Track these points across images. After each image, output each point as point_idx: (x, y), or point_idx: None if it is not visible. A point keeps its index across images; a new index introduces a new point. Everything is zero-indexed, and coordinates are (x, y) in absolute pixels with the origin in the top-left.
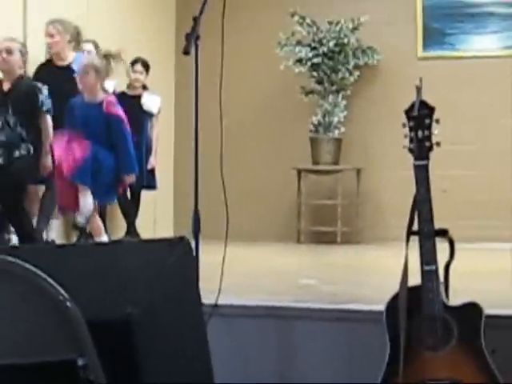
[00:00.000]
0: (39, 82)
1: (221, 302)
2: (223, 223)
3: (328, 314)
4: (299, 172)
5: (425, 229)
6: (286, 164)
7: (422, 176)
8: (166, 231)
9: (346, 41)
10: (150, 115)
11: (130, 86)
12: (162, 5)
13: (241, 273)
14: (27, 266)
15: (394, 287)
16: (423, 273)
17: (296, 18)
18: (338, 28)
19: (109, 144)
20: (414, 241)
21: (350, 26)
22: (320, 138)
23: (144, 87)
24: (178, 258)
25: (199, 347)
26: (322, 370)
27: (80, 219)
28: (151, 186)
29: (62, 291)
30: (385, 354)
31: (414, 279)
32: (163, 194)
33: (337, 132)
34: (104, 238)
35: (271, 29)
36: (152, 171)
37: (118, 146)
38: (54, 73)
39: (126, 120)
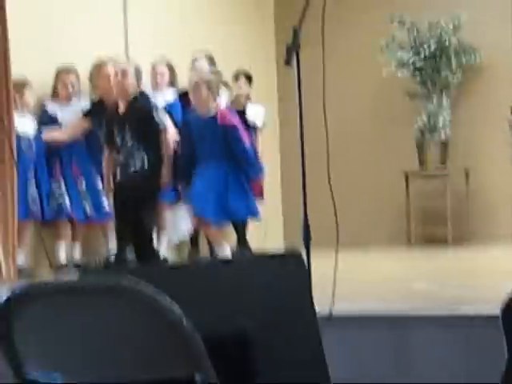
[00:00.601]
0: None
1: (334, 310)
2: (333, 229)
3: (443, 320)
4: (407, 175)
5: None
6: (393, 168)
7: None
8: (276, 243)
9: (447, 42)
10: (254, 128)
11: (233, 101)
12: (260, 15)
13: (353, 279)
14: (142, 285)
15: (509, 288)
16: None
17: (396, 22)
18: (438, 29)
19: (225, 155)
20: None
21: (451, 26)
22: (426, 140)
23: (248, 99)
24: (291, 272)
25: (316, 359)
26: (439, 377)
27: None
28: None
29: (177, 308)
30: (503, 358)
31: None
32: (272, 204)
33: (443, 133)
34: (225, 246)
35: (371, 34)
36: None
37: (237, 156)
38: None
39: (241, 128)
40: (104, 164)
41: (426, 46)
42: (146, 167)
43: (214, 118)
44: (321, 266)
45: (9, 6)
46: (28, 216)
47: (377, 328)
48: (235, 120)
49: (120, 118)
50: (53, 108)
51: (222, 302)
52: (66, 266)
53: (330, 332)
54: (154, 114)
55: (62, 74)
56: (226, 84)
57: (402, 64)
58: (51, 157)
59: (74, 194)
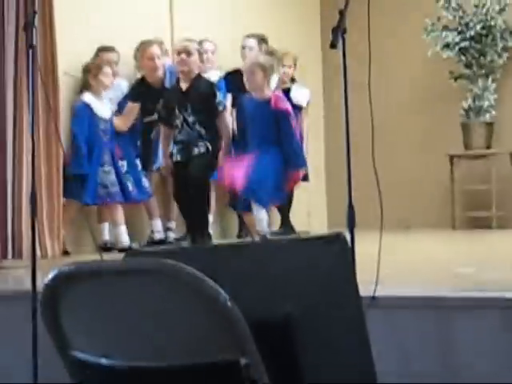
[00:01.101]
0: None
1: (378, 293)
2: (377, 212)
3: (488, 303)
4: (451, 158)
5: None
6: (438, 150)
7: None
8: (320, 223)
9: (493, 23)
10: (299, 108)
11: (279, 80)
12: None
13: (397, 262)
14: (186, 267)
15: None
16: None
17: (441, 2)
18: (484, 10)
19: (276, 140)
20: None
21: (497, 7)
22: (471, 122)
23: (293, 80)
24: (335, 255)
25: (360, 343)
26: (486, 362)
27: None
28: (304, 178)
29: (222, 291)
30: None
31: None
32: (316, 186)
33: (488, 116)
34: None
35: (417, 15)
36: None
37: (284, 143)
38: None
39: (293, 115)
40: (162, 142)
41: (471, 27)
42: (206, 149)
43: (268, 101)
44: (365, 249)
45: None
46: (97, 200)
47: (421, 310)
48: (288, 106)
49: (182, 96)
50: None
51: (266, 284)
52: (111, 247)
53: (373, 315)
54: (217, 95)
55: (103, 52)
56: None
57: (447, 45)
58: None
59: (118, 176)
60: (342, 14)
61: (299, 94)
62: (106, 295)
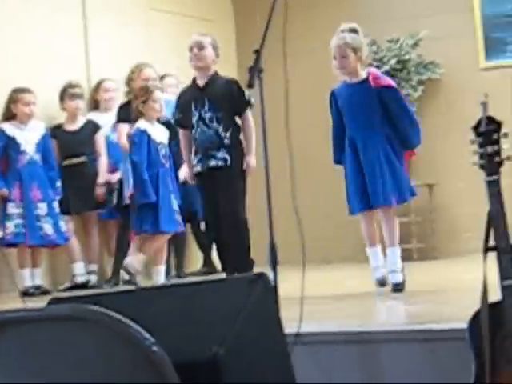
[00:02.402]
0: None
1: (302, 330)
2: (298, 246)
3: (411, 335)
4: None
5: (502, 244)
6: None
7: (495, 191)
8: None
9: (407, 57)
10: None
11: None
12: (221, 36)
13: (320, 298)
14: (110, 313)
15: (474, 303)
16: (503, 288)
17: None
18: (398, 45)
19: (388, 120)
20: (491, 254)
21: (410, 42)
22: None
23: None
24: (258, 295)
25: (286, 379)
26: None
27: None
28: None
29: (148, 336)
30: (470, 372)
31: (494, 294)
32: None
33: None
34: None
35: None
36: None
37: (400, 117)
38: None
39: (398, 88)
40: (183, 150)
41: (386, 61)
42: (227, 150)
43: (366, 81)
44: (287, 285)
45: None
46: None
47: (345, 345)
48: (389, 81)
49: (199, 93)
50: (10, 128)
51: (192, 326)
52: (33, 292)
53: (298, 351)
54: (243, 89)
55: (19, 93)
56: None
57: None
58: (12, 179)
59: (31, 218)
60: (258, 53)
61: None
62: (27, 343)
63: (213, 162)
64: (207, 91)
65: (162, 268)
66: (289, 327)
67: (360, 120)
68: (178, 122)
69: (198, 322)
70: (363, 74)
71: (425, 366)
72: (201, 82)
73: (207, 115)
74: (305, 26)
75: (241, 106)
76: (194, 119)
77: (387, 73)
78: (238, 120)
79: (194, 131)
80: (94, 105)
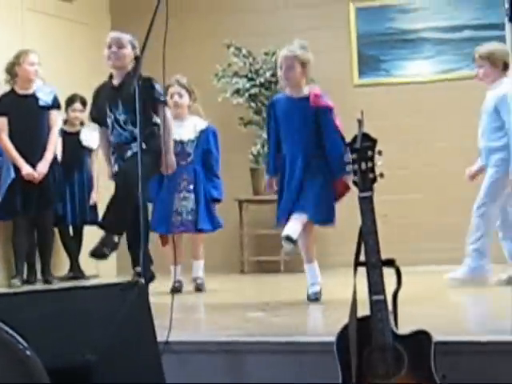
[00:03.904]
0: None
1: (172, 338)
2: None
3: (278, 347)
4: (240, 203)
5: (372, 260)
6: (227, 195)
7: (367, 207)
8: (109, 268)
9: None
10: (89, 150)
11: (67, 122)
12: (97, 40)
13: (190, 307)
14: None
15: (343, 317)
16: (372, 303)
17: (232, 49)
18: (273, 58)
19: (317, 139)
20: (361, 268)
21: None
22: (260, 168)
23: (82, 123)
24: (132, 302)
25: None
26: None
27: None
28: (93, 221)
29: (21, 340)
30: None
31: (363, 309)
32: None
33: None
34: None
35: (208, 60)
36: (94, 207)
37: (328, 139)
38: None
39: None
40: (102, 148)
41: (261, 74)
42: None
43: (306, 99)
44: (158, 293)
45: None
46: None
47: (214, 355)
48: (329, 102)
49: (113, 93)
50: None
51: (65, 332)
52: None
53: (167, 359)
54: (155, 88)
55: None
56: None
57: (237, 91)
58: None
59: None
60: (137, 59)
61: (89, 137)
62: None
63: (128, 154)
64: (121, 92)
65: None
66: (159, 335)
67: (295, 137)
68: (95, 120)
69: (72, 327)
70: (305, 91)
71: (292, 377)
72: (116, 82)
73: (121, 117)
74: (183, 34)
75: (154, 104)
76: (110, 121)
77: (262, 85)
78: (156, 118)
79: (109, 131)
80: None
